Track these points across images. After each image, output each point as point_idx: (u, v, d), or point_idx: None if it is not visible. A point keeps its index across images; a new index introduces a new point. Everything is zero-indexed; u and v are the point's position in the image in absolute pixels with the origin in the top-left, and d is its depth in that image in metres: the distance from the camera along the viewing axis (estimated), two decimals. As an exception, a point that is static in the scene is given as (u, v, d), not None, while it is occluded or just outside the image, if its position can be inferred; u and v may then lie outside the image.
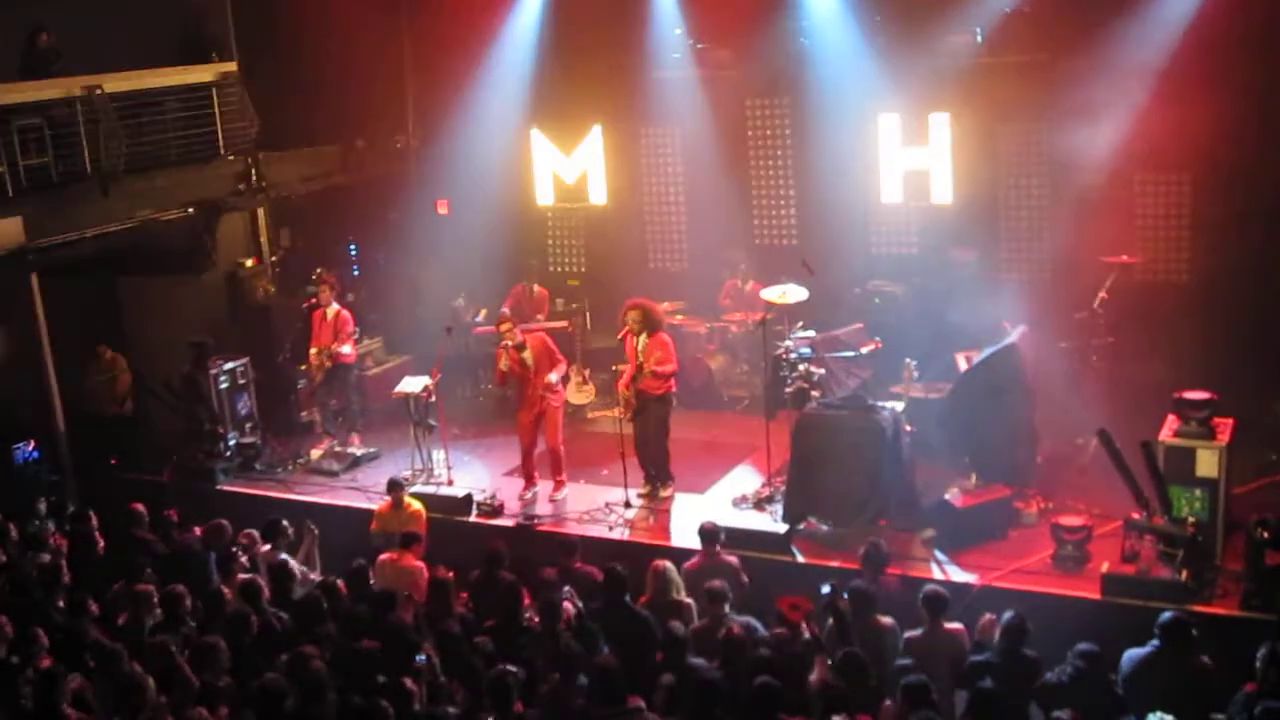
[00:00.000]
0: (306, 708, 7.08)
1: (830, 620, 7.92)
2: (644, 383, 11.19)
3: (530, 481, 11.92)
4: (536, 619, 8.40)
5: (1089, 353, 11.75)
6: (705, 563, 9.21)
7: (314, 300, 13.25)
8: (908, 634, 7.87)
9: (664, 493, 11.57)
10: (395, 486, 10.93)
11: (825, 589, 8.07)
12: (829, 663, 7.40)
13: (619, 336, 11.44)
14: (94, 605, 8.77)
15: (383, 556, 9.82)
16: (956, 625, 7.92)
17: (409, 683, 7.25)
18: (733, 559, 9.31)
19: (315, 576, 9.83)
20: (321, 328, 13.20)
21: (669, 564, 8.89)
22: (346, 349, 13.18)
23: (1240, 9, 11.65)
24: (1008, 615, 7.51)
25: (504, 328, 11.62)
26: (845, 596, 7.98)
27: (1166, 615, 7.44)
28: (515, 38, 14.63)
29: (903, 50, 13.08)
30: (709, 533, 9.35)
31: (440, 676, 7.67)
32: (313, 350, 13.22)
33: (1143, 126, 11.94)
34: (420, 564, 9.65)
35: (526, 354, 11.52)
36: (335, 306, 13.23)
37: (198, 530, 10.36)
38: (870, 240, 14.20)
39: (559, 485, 11.85)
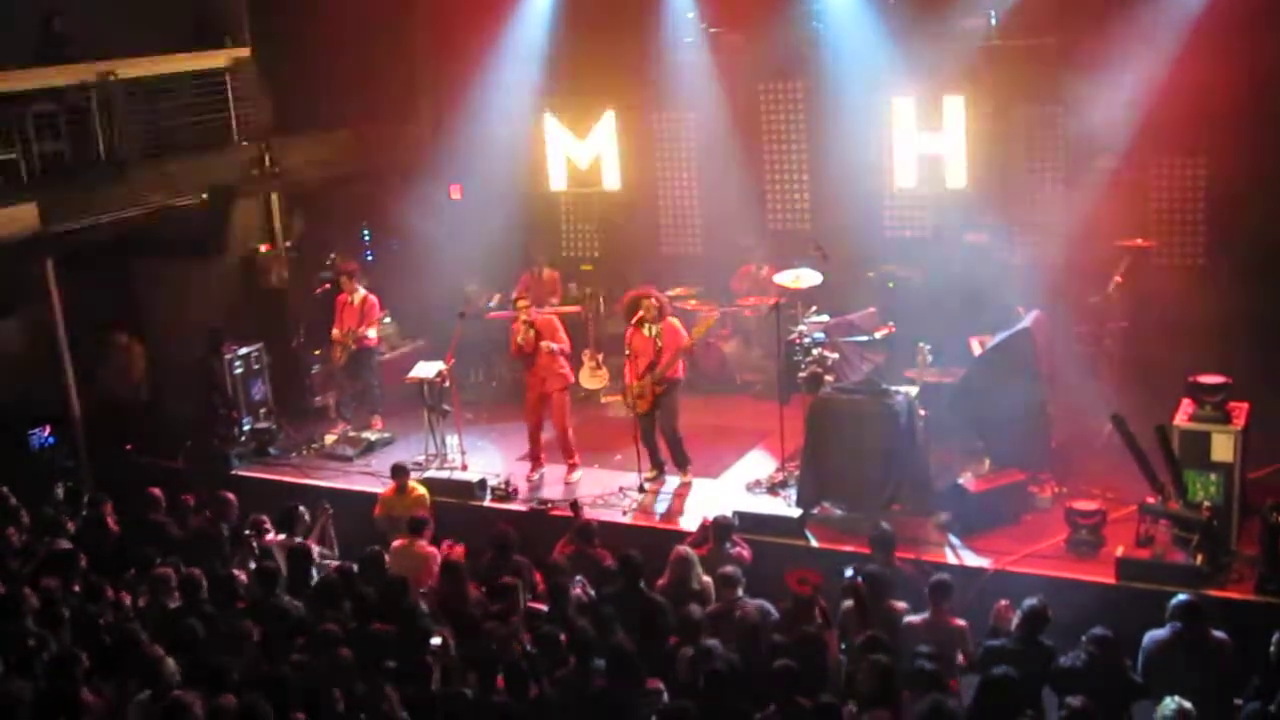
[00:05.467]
0: (326, 693, 7.11)
1: (850, 603, 7.93)
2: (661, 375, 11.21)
3: (537, 463, 11.97)
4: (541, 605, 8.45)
5: (1103, 337, 11.71)
6: (715, 551, 9.17)
7: (328, 285, 13.28)
8: (908, 619, 7.83)
9: (684, 477, 11.57)
10: (399, 471, 10.98)
11: (848, 572, 8.08)
12: (843, 646, 7.41)
13: (630, 323, 11.41)
14: (110, 590, 8.82)
15: (395, 543, 9.86)
16: (961, 621, 7.84)
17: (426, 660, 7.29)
18: (744, 551, 9.26)
19: (333, 558, 9.86)
20: (346, 311, 13.31)
21: (690, 550, 8.89)
22: (371, 333, 13.31)
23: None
24: (1030, 601, 7.44)
25: (520, 303, 11.73)
26: (862, 580, 7.99)
27: (1183, 597, 7.44)
28: (528, 22, 14.59)
29: (917, 33, 13.01)
30: (724, 527, 9.31)
31: (455, 658, 7.71)
32: (335, 331, 13.31)
33: (1158, 108, 11.87)
34: (432, 549, 9.68)
35: (532, 333, 11.61)
36: (362, 292, 13.33)
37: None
38: (884, 224, 14.13)
39: (572, 468, 11.88)
